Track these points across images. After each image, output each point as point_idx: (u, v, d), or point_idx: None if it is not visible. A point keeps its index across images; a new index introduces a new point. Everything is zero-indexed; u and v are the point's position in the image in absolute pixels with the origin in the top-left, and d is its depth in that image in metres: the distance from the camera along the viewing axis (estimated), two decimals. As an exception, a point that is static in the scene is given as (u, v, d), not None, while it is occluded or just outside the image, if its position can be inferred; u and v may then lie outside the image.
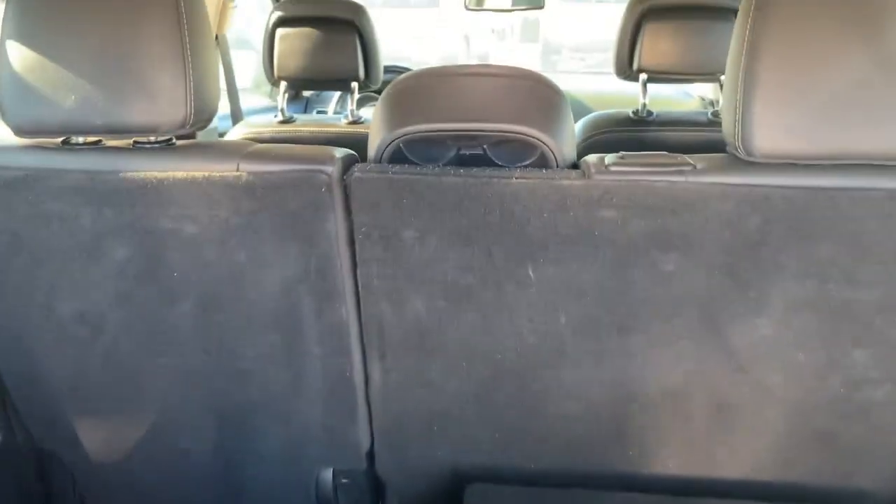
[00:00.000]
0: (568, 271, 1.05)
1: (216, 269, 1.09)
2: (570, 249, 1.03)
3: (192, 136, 1.41)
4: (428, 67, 1.13)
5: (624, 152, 1.05)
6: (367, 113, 2.98)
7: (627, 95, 3.22)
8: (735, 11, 1.85)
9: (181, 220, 1.06)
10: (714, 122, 1.83)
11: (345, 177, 1.04)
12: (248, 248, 1.07)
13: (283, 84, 2.01)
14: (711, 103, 3.01)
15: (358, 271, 1.09)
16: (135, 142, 1.07)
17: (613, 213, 1.00)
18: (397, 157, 1.07)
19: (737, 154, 0.99)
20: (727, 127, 1.00)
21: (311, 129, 1.97)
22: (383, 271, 1.08)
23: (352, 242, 1.07)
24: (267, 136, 1.96)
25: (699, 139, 1.82)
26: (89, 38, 0.98)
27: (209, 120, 1.08)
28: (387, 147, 1.05)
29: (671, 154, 1.03)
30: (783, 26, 0.92)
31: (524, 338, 1.10)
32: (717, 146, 1.88)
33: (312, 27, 1.94)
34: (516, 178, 1.00)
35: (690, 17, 1.78)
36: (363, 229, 1.05)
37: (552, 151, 1.03)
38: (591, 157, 1.04)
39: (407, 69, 3.12)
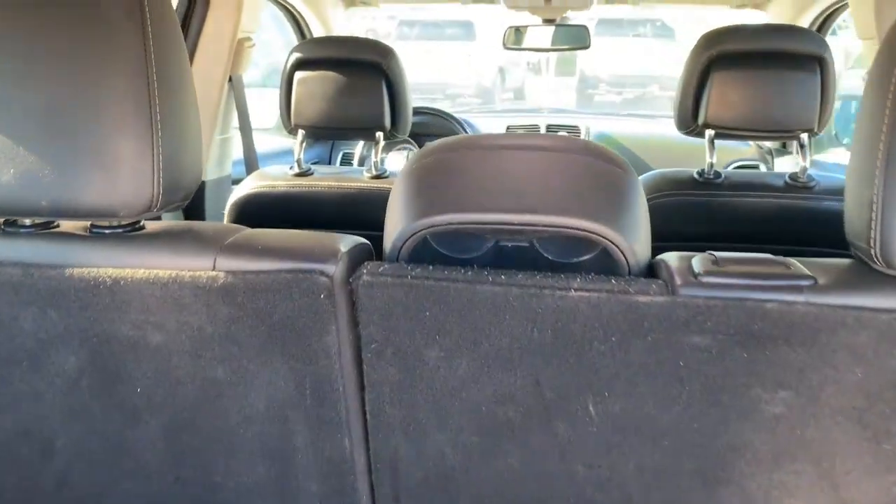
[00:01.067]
0: (641, 408, 0.79)
1: (188, 385, 0.86)
2: (645, 382, 0.78)
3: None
4: (461, 137, 0.89)
5: (717, 254, 0.80)
6: (395, 160, 2.78)
7: (670, 139, 2.99)
8: (819, 60, 1.61)
9: (144, 326, 0.83)
10: (793, 186, 1.57)
11: (351, 279, 0.81)
12: (228, 363, 0.84)
13: (301, 133, 1.80)
14: (770, 152, 2.74)
15: (366, 396, 0.85)
16: (92, 225, 0.86)
17: (705, 339, 0.75)
18: (420, 248, 0.83)
19: (872, 265, 0.73)
20: (855, 226, 0.75)
21: (329, 183, 1.75)
22: (398, 397, 0.84)
23: (358, 361, 0.83)
24: (281, 190, 1.74)
25: (776, 207, 1.56)
26: (31, 95, 0.77)
27: (185, 199, 0.86)
28: (407, 240, 0.82)
29: (778, 259, 0.78)
30: None
31: (580, 487, 0.85)
32: (797, 216, 1.65)
33: (335, 71, 1.73)
34: (576, 290, 0.75)
35: (766, 66, 1.53)
36: (373, 345, 0.82)
37: (621, 251, 0.79)
38: (674, 260, 0.80)
39: (438, 112, 2.91)
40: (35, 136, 0.77)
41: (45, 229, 0.86)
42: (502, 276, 0.77)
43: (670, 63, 10.74)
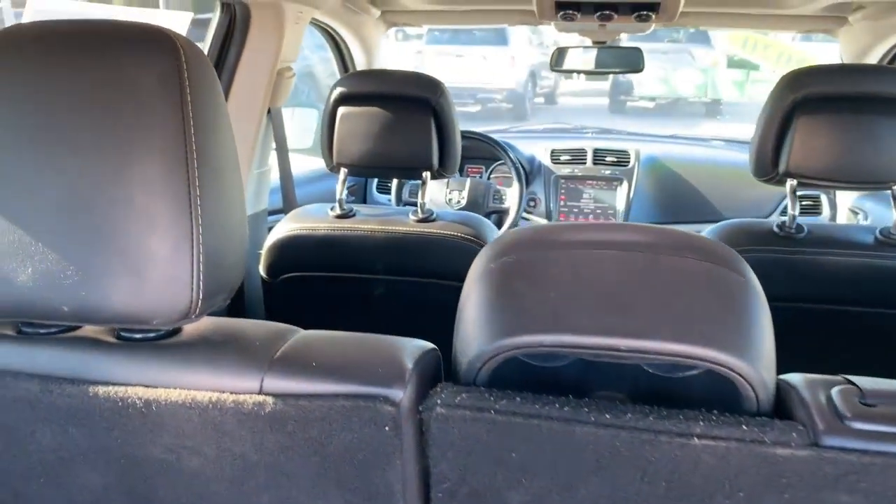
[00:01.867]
0: None
1: None
2: None
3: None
4: (542, 229, 0.76)
5: (859, 382, 0.66)
6: (435, 189, 2.64)
7: (719, 163, 2.83)
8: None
9: (178, 450, 0.71)
10: (885, 243, 1.42)
11: (420, 408, 0.68)
12: (274, 492, 0.72)
13: (343, 172, 1.68)
14: (864, 214, 2.52)
15: None
16: (119, 332, 0.74)
17: (856, 499, 0.61)
18: (502, 363, 0.71)
19: None
20: None
21: (373, 227, 1.63)
22: None
23: (426, 500, 0.71)
24: (321, 233, 1.63)
25: (865, 266, 1.41)
26: (52, 185, 0.65)
27: (227, 298, 0.74)
28: (489, 360, 0.69)
29: None
30: None
31: None
32: (889, 277, 1.50)
33: (380, 106, 1.61)
34: (699, 438, 0.62)
35: (857, 110, 1.38)
36: (445, 485, 0.69)
37: (750, 384, 0.66)
38: (806, 390, 0.66)
39: (478, 135, 2.76)
40: (56, 232, 0.66)
41: (66, 332, 0.75)
42: (607, 415, 0.64)
43: (705, 68, 10.51)
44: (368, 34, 2.43)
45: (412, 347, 0.74)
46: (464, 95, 10.81)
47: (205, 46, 1.76)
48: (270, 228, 1.72)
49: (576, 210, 2.67)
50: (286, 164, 1.97)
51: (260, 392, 0.68)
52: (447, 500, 0.70)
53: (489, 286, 0.72)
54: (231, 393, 0.68)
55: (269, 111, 1.86)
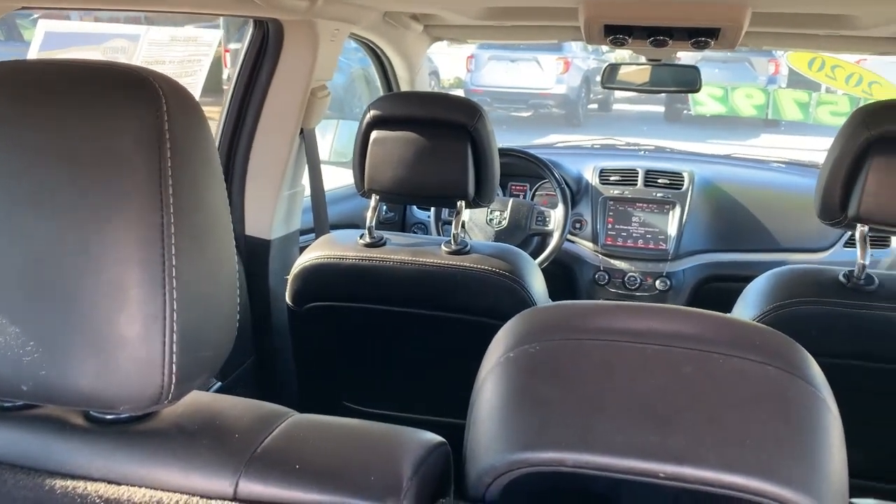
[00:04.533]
0: None
1: None
2: None
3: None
4: (576, 307, 0.66)
5: None
6: (476, 213, 2.54)
7: (778, 187, 2.65)
8: None
9: None
10: (967, 299, 1.27)
11: None
12: None
13: (374, 198, 1.60)
14: None
15: None
16: (88, 413, 0.67)
17: None
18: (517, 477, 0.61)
19: None
20: None
21: (403, 258, 1.54)
22: None
23: None
24: (349, 262, 1.55)
25: None
26: (12, 250, 0.58)
27: (209, 376, 0.66)
28: (500, 476, 0.59)
29: None
30: None
31: None
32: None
33: (415, 131, 1.53)
34: None
35: None
36: None
37: None
38: None
39: (521, 153, 2.62)
40: (18, 304, 0.58)
41: (31, 409, 0.68)
42: None
43: (786, 97, 10.13)
44: (411, 49, 2.35)
45: (415, 445, 0.64)
46: (516, 100, 10.68)
47: (237, 65, 1.71)
48: (303, 248, 1.65)
49: (624, 234, 2.54)
50: (319, 185, 1.90)
51: (234, 498, 0.60)
52: None
53: (506, 382, 0.62)
54: (201, 497, 0.60)
55: (301, 131, 1.79)
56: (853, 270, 1.33)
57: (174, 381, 0.59)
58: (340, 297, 1.60)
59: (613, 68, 2.53)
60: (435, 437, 0.67)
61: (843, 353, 1.32)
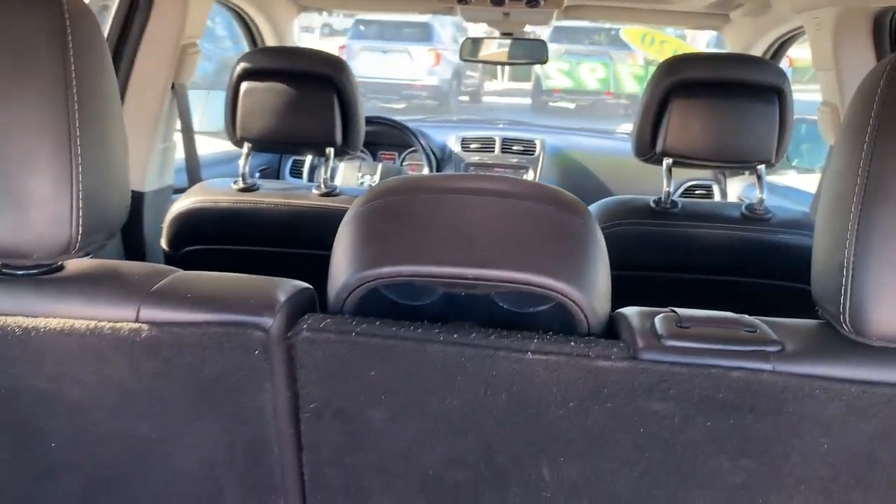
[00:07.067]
0: (597, 474, 0.75)
1: (110, 442, 0.79)
2: (603, 448, 0.73)
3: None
4: (410, 178, 0.84)
5: (680, 312, 0.76)
6: (347, 171, 2.69)
7: (624, 156, 2.97)
8: (778, 91, 1.60)
9: (59, 379, 0.75)
10: (750, 218, 1.55)
11: (289, 334, 0.74)
12: (152, 419, 0.77)
13: (247, 146, 1.71)
14: (723, 172, 2.73)
15: (304, 457, 0.79)
16: (2, 265, 0.77)
17: (667, 406, 0.71)
18: (367, 296, 0.77)
19: (840, 330, 0.70)
20: (824, 289, 0.71)
21: (276, 200, 1.66)
22: (340, 459, 0.78)
23: (296, 420, 0.77)
24: (223, 205, 1.65)
25: (732, 238, 1.55)
26: None
27: (110, 237, 0.78)
28: (353, 291, 0.76)
29: (745, 320, 0.75)
30: None
31: None
32: (753, 249, 1.63)
33: (284, 83, 1.65)
34: (533, 353, 0.70)
35: (726, 96, 1.51)
36: (312, 405, 0.75)
37: (580, 308, 0.74)
38: (636, 318, 0.75)
39: (391, 121, 2.83)
40: None
41: None
42: (455, 335, 0.72)
43: (625, 72, 10.86)
44: (278, 16, 2.46)
45: (288, 285, 0.79)
46: (389, 91, 10.85)
47: (107, 22, 1.76)
48: None
49: None
50: (191, 142, 1.98)
51: (136, 321, 0.73)
52: (315, 420, 0.76)
53: (357, 226, 0.78)
54: (108, 322, 0.72)
55: (172, 87, 1.87)
56: (661, 197, 1.58)
57: (81, 232, 0.71)
58: (216, 239, 1.70)
59: (473, 42, 2.74)
60: (305, 284, 0.82)
61: (661, 266, 1.56)
